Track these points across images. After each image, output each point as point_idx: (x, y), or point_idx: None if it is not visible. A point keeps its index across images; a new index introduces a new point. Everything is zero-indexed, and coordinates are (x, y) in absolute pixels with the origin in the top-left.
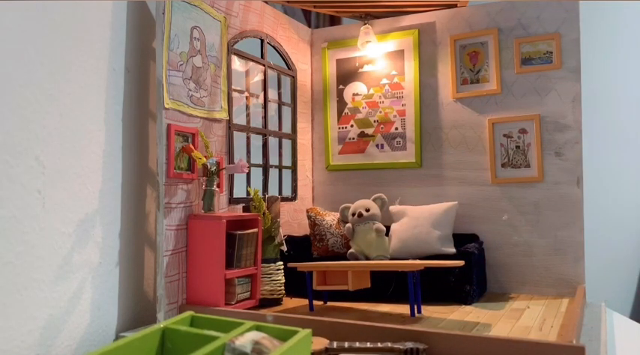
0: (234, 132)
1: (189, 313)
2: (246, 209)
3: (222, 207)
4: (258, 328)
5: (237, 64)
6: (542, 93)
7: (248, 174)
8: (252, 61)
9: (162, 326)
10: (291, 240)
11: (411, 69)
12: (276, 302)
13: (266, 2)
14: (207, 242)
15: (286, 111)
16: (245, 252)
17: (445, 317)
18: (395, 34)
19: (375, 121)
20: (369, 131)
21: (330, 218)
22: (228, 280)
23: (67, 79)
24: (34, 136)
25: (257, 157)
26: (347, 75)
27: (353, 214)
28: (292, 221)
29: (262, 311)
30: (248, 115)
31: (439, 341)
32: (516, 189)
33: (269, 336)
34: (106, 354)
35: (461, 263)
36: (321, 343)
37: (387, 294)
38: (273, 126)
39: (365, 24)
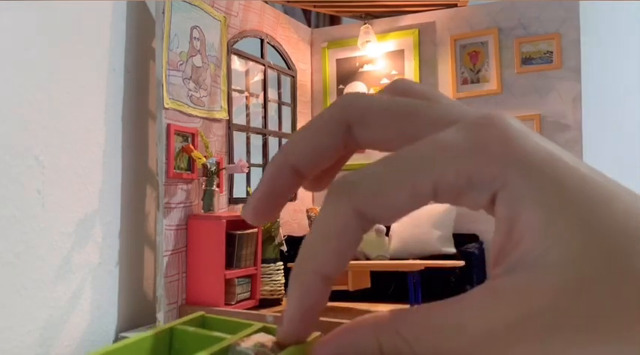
0: (234, 132)
1: (200, 313)
2: None
3: (222, 207)
4: (265, 330)
5: (237, 63)
6: (542, 93)
7: (248, 174)
8: (252, 60)
9: (170, 325)
10: (291, 240)
11: (411, 69)
12: (276, 302)
13: (266, 2)
14: (207, 242)
15: (286, 111)
16: (245, 252)
17: None
18: (395, 33)
19: None
20: None
21: None
22: (228, 280)
23: (67, 79)
24: (34, 136)
25: (257, 157)
26: (347, 75)
27: None
28: (292, 221)
29: (262, 312)
30: (248, 115)
31: None
32: None
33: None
34: (111, 354)
35: (461, 263)
36: None
37: (387, 294)
38: (273, 126)
39: (365, 24)
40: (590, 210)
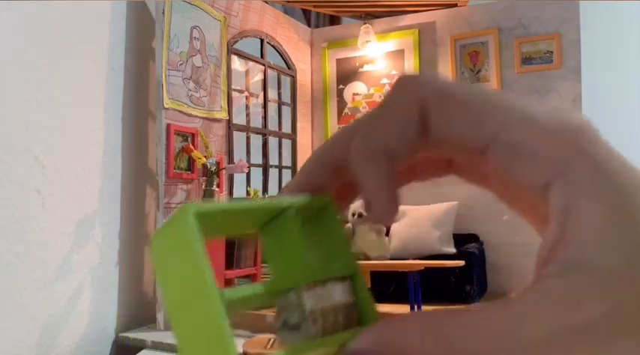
0: (234, 132)
1: (328, 199)
2: None
3: None
4: (358, 279)
5: (237, 63)
6: (542, 93)
7: (248, 174)
8: (252, 60)
9: (290, 205)
10: None
11: (411, 68)
12: None
13: (266, 2)
14: (206, 242)
15: (286, 111)
16: (245, 252)
17: None
18: (395, 33)
19: None
20: None
21: None
22: (228, 280)
23: (66, 79)
24: (34, 136)
25: (257, 157)
26: (347, 74)
27: (353, 214)
28: None
29: (263, 312)
30: (248, 115)
31: None
32: None
33: (351, 305)
34: (216, 215)
35: (461, 263)
36: None
37: (387, 294)
38: (273, 126)
39: (365, 23)
40: None
